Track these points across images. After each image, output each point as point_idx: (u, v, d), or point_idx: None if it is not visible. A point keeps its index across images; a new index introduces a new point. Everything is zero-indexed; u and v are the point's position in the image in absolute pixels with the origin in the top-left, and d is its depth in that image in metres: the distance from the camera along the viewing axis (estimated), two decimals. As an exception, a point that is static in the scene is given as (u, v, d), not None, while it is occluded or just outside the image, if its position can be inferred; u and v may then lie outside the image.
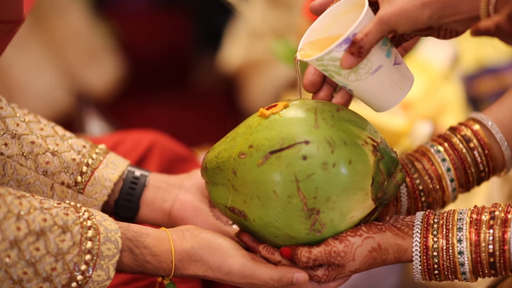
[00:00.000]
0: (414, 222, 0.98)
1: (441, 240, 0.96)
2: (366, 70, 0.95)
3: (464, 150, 1.07)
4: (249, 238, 1.03)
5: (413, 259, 0.97)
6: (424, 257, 0.97)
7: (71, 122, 2.35)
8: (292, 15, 2.10)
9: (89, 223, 0.93)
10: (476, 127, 1.08)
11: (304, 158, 0.95)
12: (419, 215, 0.99)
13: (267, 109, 1.00)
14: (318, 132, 0.96)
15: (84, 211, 0.95)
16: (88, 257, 0.92)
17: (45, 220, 0.91)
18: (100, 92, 2.56)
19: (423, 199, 1.07)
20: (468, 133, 1.08)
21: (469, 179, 1.08)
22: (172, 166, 1.28)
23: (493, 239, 0.94)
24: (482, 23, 0.88)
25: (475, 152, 1.07)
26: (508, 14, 0.86)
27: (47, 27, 2.35)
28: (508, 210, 0.95)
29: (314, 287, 1.00)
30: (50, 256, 0.90)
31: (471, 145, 1.07)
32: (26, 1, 1.01)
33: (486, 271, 0.95)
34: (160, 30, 3.12)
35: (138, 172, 1.12)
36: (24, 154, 1.06)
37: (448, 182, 1.07)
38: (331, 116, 0.98)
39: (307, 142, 0.96)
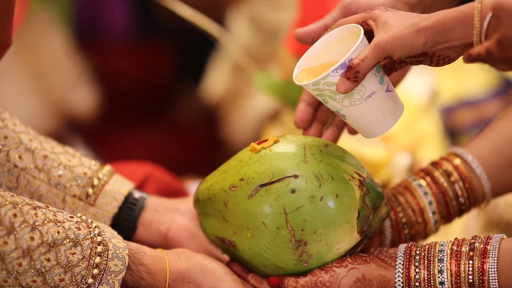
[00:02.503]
0: (397, 254, 1.00)
1: (422, 271, 0.98)
2: (360, 96, 0.98)
3: (445, 184, 1.10)
4: (239, 267, 1.05)
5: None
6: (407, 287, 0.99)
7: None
8: (274, 46, 2.12)
9: (99, 238, 0.97)
10: (457, 161, 1.11)
11: (293, 191, 0.98)
12: (402, 247, 1.01)
13: (258, 143, 1.04)
14: (306, 166, 0.99)
15: (95, 226, 0.98)
16: (95, 271, 0.95)
17: (58, 232, 0.94)
18: (82, 121, 2.57)
19: (406, 231, 1.10)
20: (449, 167, 1.11)
21: (450, 211, 1.11)
22: (167, 198, 1.30)
23: (472, 270, 0.96)
24: (473, 49, 0.91)
25: (456, 186, 1.10)
26: (498, 40, 0.89)
27: (28, 54, 2.36)
28: (487, 242, 0.97)
29: None
30: (60, 268, 0.93)
31: (452, 179, 1.10)
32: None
33: None
34: (141, 61, 3.13)
35: (137, 194, 1.15)
36: (38, 167, 1.09)
37: (430, 215, 1.10)
38: (320, 152, 1.01)
39: (296, 176, 0.99)
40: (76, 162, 1.12)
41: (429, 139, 1.83)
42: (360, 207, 1.00)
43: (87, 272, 0.95)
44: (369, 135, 1.02)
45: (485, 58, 0.90)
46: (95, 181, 1.12)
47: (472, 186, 1.10)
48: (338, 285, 1.00)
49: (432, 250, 0.99)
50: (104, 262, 0.96)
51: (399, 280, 0.99)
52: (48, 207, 0.97)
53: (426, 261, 0.98)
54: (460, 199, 1.10)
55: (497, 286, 0.95)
